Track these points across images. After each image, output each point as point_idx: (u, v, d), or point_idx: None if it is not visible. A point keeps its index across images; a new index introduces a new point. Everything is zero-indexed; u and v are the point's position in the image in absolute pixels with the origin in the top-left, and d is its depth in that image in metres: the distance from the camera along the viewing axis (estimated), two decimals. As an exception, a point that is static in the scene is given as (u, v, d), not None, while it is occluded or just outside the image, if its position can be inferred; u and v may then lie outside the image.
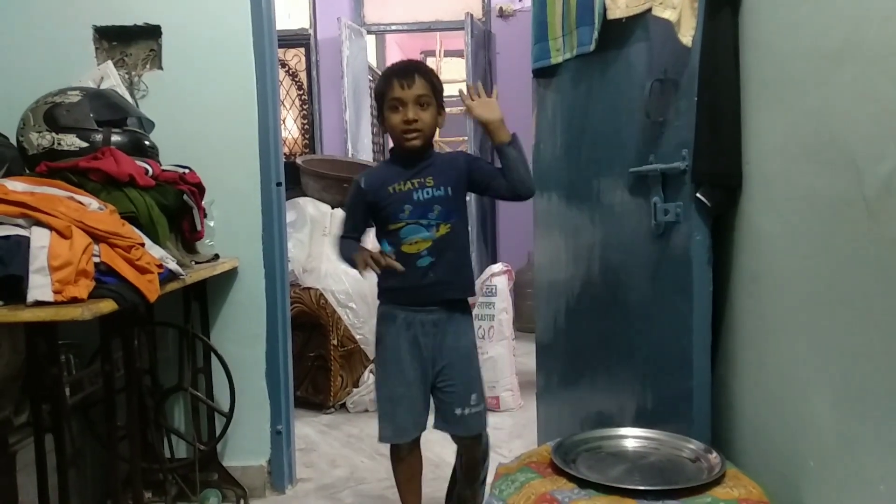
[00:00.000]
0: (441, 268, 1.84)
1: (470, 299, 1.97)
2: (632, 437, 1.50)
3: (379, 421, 1.92)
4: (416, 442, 1.92)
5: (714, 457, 1.36)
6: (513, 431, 2.85)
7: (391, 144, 1.98)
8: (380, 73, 6.01)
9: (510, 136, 1.82)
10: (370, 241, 1.98)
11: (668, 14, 1.52)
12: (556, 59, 2.06)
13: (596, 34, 1.82)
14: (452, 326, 1.88)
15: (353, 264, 1.81)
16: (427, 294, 1.85)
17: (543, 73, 2.18)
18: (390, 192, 1.84)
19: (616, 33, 1.78)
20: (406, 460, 1.92)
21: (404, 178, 1.84)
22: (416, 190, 1.83)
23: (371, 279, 3.45)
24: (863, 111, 1.06)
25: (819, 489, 1.23)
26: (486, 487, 1.97)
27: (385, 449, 2.76)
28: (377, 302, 3.46)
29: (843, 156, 1.10)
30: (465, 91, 1.87)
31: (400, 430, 1.89)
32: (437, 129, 1.91)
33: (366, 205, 1.88)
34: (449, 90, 8.16)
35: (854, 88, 1.08)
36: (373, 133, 5.47)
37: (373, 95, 1.95)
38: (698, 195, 1.51)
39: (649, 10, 1.59)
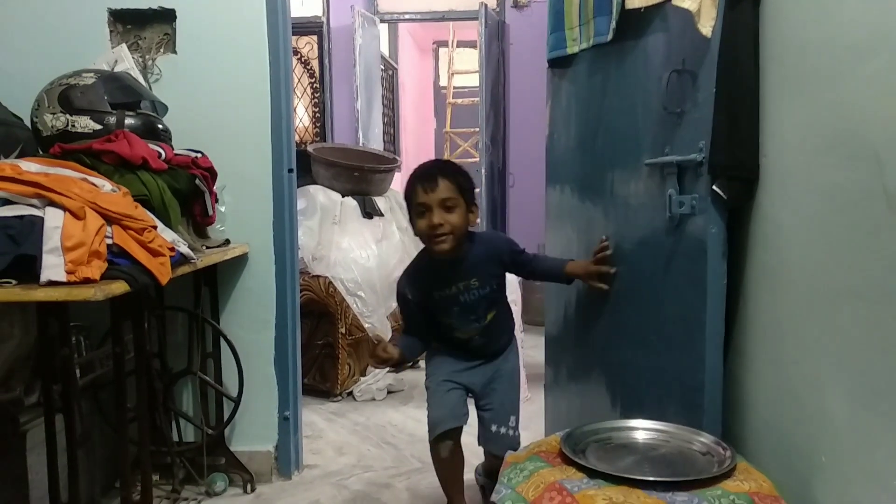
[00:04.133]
0: (491, 340, 1.98)
1: None
2: (642, 429, 1.50)
3: (431, 416, 1.94)
4: (457, 441, 1.93)
5: (725, 450, 1.36)
6: (520, 423, 2.84)
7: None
8: (392, 62, 6.07)
9: None
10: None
11: (687, 4, 1.50)
12: (573, 49, 2.05)
13: (614, 24, 1.80)
14: (500, 355, 2.01)
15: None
16: (478, 356, 1.98)
17: (559, 64, 2.16)
18: (436, 298, 1.89)
19: (634, 23, 1.76)
20: (447, 460, 1.93)
21: (447, 281, 1.87)
22: (462, 293, 1.87)
23: (377, 268, 3.45)
24: (887, 103, 1.04)
25: (830, 484, 1.22)
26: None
27: (391, 437, 2.79)
28: (385, 291, 3.50)
29: (865, 148, 1.09)
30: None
31: (451, 414, 1.90)
32: (469, 226, 1.88)
33: (417, 307, 1.94)
34: (462, 81, 8.09)
35: (879, 80, 1.06)
36: (384, 122, 5.47)
37: (403, 199, 1.93)
38: (714, 188, 1.49)
39: (668, -1, 1.58)
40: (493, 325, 1.95)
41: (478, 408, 2.00)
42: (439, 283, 1.87)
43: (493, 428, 1.96)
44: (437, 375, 1.96)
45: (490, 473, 2.19)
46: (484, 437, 2.00)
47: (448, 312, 1.90)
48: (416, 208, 1.81)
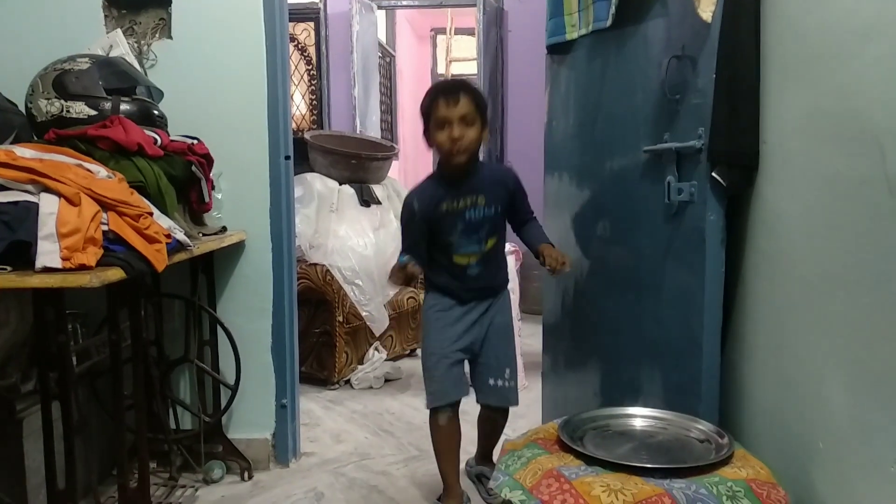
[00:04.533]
0: (487, 273, 1.99)
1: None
2: (640, 417, 1.50)
3: (430, 386, 2.00)
4: (456, 411, 2.00)
5: (722, 437, 1.36)
6: (517, 411, 2.81)
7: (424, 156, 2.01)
8: (389, 49, 6.03)
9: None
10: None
11: (688, -11, 1.49)
12: (572, 34, 2.03)
13: (613, 9, 1.79)
14: (493, 306, 2.03)
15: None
16: (474, 294, 2.00)
17: (558, 50, 2.15)
18: (444, 211, 1.93)
19: (633, 9, 1.75)
20: (445, 429, 1.99)
21: (456, 195, 1.92)
22: (468, 209, 1.92)
23: (374, 256, 3.44)
24: (889, 89, 1.03)
25: (828, 470, 1.23)
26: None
27: (388, 425, 2.79)
28: (382, 279, 3.50)
29: (867, 134, 1.08)
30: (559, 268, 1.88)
31: (450, 388, 1.98)
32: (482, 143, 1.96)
33: (422, 222, 1.95)
34: (460, 68, 8.04)
35: (881, 65, 1.05)
36: (381, 110, 5.44)
37: (419, 111, 1.94)
38: (714, 174, 1.49)
39: (669, -16, 1.56)
40: (491, 256, 1.98)
41: (473, 364, 2.04)
42: (449, 197, 1.92)
43: (490, 381, 2.02)
44: (438, 345, 1.99)
45: (485, 455, 2.22)
46: (481, 392, 2.05)
47: (452, 229, 1.93)
48: (436, 121, 1.87)
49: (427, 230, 1.96)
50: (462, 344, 1.99)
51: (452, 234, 1.94)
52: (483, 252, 1.96)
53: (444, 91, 1.88)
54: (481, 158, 2.05)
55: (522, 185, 2.03)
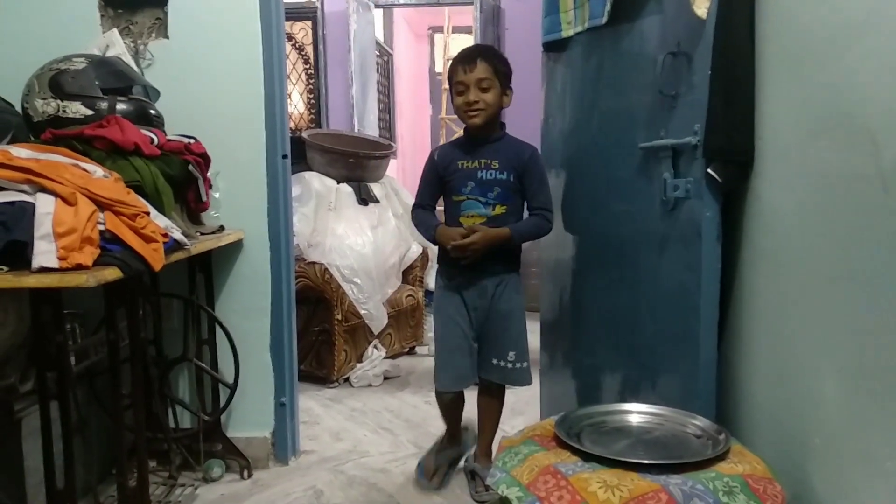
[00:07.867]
0: None
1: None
2: (636, 413, 1.50)
3: (437, 371, 2.13)
4: (460, 392, 2.13)
5: (719, 433, 1.36)
6: (515, 408, 2.85)
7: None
8: (387, 48, 6.03)
9: (508, 237, 1.98)
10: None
11: (683, -15, 1.49)
12: (567, 32, 2.04)
13: (608, 6, 1.79)
14: (499, 291, 2.06)
15: (432, 238, 2.05)
16: (477, 267, 2.02)
17: (554, 47, 2.15)
18: (458, 167, 2.03)
19: (628, 5, 1.75)
20: (448, 402, 2.16)
21: (473, 156, 2.03)
22: (481, 169, 2.01)
23: (372, 254, 3.44)
24: (883, 84, 1.04)
25: (824, 466, 1.23)
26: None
27: (387, 423, 2.80)
28: (381, 277, 3.50)
29: (861, 130, 1.08)
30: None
31: (456, 378, 2.09)
32: (503, 109, 2.06)
33: (437, 176, 2.07)
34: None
35: (875, 61, 1.05)
36: (379, 109, 5.44)
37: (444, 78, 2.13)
38: (709, 171, 1.49)
39: (664, -19, 1.56)
40: (499, 226, 2.00)
41: (478, 341, 2.11)
42: (466, 155, 2.04)
43: (493, 361, 2.09)
44: (443, 334, 2.09)
45: (484, 452, 2.18)
46: (483, 368, 2.12)
47: (464, 185, 2.02)
48: (455, 86, 2.00)
49: (441, 184, 2.07)
50: (464, 332, 2.07)
51: (463, 191, 2.01)
52: (490, 217, 2.00)
53: (461, 58, 1.99)
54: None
55: (541, 166, 2.06)
